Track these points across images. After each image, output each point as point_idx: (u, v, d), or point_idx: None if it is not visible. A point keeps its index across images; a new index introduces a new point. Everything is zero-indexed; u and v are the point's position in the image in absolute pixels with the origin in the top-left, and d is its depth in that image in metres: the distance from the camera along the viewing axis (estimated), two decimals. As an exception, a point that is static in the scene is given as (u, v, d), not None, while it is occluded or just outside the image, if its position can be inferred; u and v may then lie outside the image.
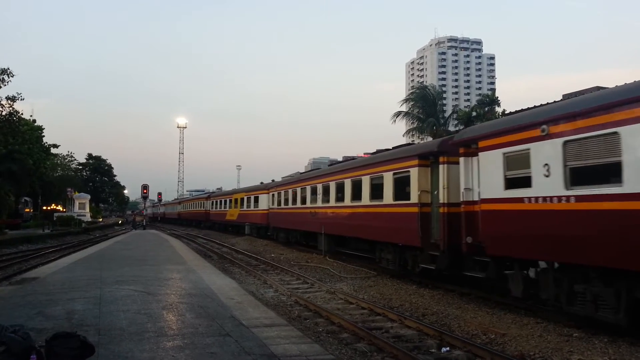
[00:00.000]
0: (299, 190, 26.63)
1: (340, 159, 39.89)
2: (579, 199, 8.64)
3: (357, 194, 18.50)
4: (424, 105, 45.00)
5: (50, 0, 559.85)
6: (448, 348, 8.30)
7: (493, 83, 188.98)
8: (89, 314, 9.11)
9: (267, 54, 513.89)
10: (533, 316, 10.21)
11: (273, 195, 32.72)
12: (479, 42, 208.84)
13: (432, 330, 9.19)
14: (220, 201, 50.53)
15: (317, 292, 13.89)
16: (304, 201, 25.42)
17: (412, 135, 44.94)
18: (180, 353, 6.65)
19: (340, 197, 20.33)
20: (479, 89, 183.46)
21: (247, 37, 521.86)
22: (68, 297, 10.80)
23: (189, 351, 6.74)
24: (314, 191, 23.90)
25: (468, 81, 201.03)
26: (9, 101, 33.11)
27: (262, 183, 40.39)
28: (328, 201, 21.54)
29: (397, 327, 9.80)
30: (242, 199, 41.18)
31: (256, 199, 37.13)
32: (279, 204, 30.82)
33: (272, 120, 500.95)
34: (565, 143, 8.95)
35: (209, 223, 55.35)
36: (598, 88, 10.29)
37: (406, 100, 47.92)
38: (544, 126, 9.41)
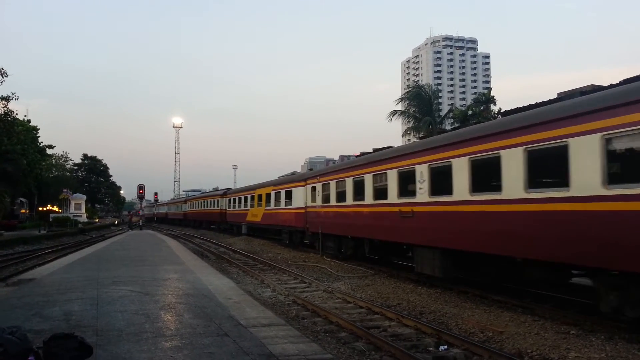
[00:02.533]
0: (368, 178, 17.59)
1: (336, 158, 39.83)
2: None
3: (556, 178, 9.79)
4: (419, 104, 44.97)
5: (47, 0, 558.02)
6: (446, 346, 8.32)
7: (488, 82, 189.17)
8: (86, 314, 9.09)
9: (263, 53, 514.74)
10: (530, 314, 10.24)
11: (314, 188, 23.75)
12: (474, 41, 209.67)
13: (430, 328, 9.21)
14: (240, 199, 41.70)
15: (314, 292, 13.89)
16: (380, 195, 16.55)
17: (409, 134, 44.96)
18: (178, 353, 6.64)
19: (483, 184, 11.66)
20: (475, 87, 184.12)
21: (243, 37, 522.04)
22: (65, 298, 10.76)
23: (187, 351, 6.73)
24: (406, 177, 14.94)
25: (463, 80, 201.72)
26: (3, 101, 33.06)
27: (294, 173, 32.54)
28: (450, 192, 12.53)
29: (394, 326, 9.81)
30: (269, 195, 32.52)
31: (288, 194, 28.49)
32: (326, 199, 21.96)
33: (268, 119, 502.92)
34: None
35: (225, 225, 47.47)
36: (593, 86, 10.34)
37: (402, 99, 47.90)
38: None
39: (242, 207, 40.64)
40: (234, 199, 44.19)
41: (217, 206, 50.23)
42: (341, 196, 20.18)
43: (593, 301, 9.71)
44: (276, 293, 13.74)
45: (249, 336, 7.59)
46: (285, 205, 28.94)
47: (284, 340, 7.39)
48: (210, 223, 55.45)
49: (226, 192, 49.61)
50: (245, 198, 39.91)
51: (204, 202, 58.38)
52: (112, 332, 7.77)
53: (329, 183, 21.77)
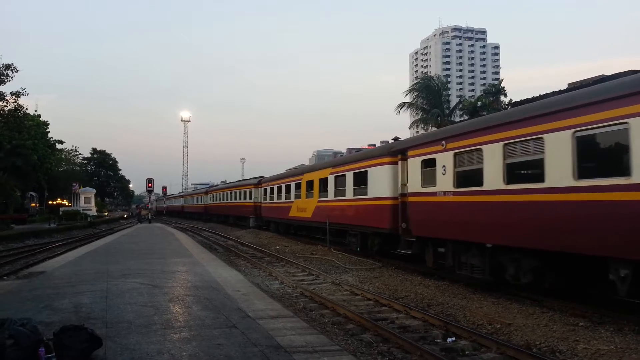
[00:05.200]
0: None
1: (343, 151, 39.55)
2: None
3: None
4: (428, 95, 44.74)
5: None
6: (454, 338, 8.31)
7: (498, 73, 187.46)
8: (96, 307, 9.18)
9: (270, 46, 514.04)
10: (539, 306, 10.21)
11: (428, 162, 14.17)
12: (484, 32, 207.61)
13: (437, 320, 9.20)
14: (280, 188, 31.92)
15: (322, 284, 13.92)
16: None
17: (417, 126, 44.73)
18: (187, 345, 6.69)
19: None
20: (484, 79, 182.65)
21: (250, 29, 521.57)
22: (75, 291, 10.87)
23: (196, 343, 6.78)
24: None
25: (472, 71, 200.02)
26: (14, 97, 33.33)
27: (363, 148, 23.46)
28: None
29: (402, 318, 9.82)
30: (324, 181, 23.45)
31: (360, 178, 19.42)
32: (469, 181, 12.40)
33: (276, 113, 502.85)
34: None
35: (261, 221, 38.16)
36: (603, 76, 10.23)
37: (410, 91, 47.64)
38: None
39: (283, 199, 30.85)
40: (271, 189, 34.49)
41: (250, 198, 40.81)
42: (523, 172, 11.15)
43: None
44: (284, 285, 13.78)
45: (257, 328, 7.63)
46: (355, 195, 19.76)
47: (291, 332, 7.42)
48: (239, 219, 45.33)
49: (260, 181, 39.70)
50: (287, 187, 30.04)
51: (232, 193, 47.95)
52: (121, 324, 7.84)
53: (480, 149, 11.82)
